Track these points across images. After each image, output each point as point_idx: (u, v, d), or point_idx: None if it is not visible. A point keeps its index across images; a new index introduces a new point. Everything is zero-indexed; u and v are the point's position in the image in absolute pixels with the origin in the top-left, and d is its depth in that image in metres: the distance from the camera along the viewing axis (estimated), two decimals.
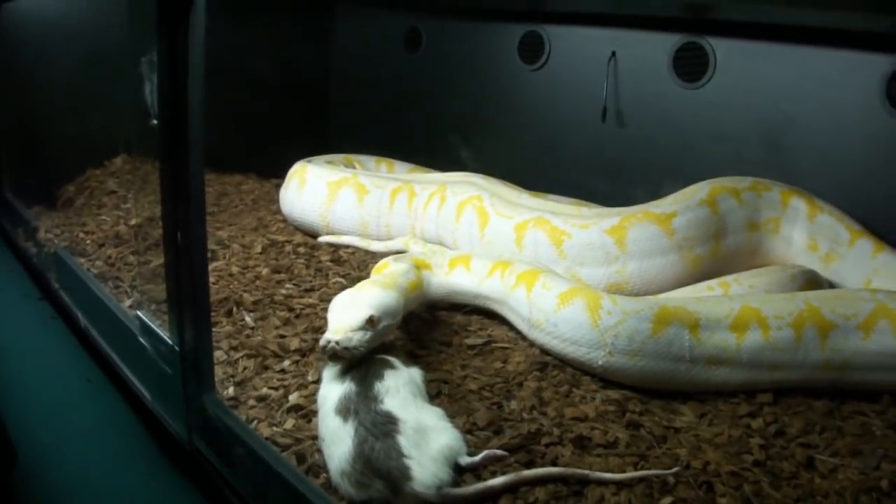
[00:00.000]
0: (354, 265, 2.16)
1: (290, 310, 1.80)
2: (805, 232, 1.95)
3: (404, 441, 1.13)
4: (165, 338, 1.24)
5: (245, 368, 1.50)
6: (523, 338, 1.70)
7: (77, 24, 2.62)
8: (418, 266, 1.78)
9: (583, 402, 1.44)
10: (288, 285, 1.95)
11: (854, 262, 1.87)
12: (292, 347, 1.58)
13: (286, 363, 1.52)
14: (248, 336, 1.64)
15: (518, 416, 1.36)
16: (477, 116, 2.93)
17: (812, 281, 1.81)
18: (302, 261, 2.14)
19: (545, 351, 1.62)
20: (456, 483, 1.14)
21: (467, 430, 1.28)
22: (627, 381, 1.51)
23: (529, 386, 1.48)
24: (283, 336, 1.64)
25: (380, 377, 1.26)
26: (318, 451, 1.24)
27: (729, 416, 1.44)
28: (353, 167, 2.71)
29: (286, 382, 1.44)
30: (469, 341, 1.68)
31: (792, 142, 2.15)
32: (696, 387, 1.51)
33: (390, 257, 1.82)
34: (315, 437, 1.27)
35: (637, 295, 1.86)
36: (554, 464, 1.23)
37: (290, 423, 1.30)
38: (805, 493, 1.23)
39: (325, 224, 2.39)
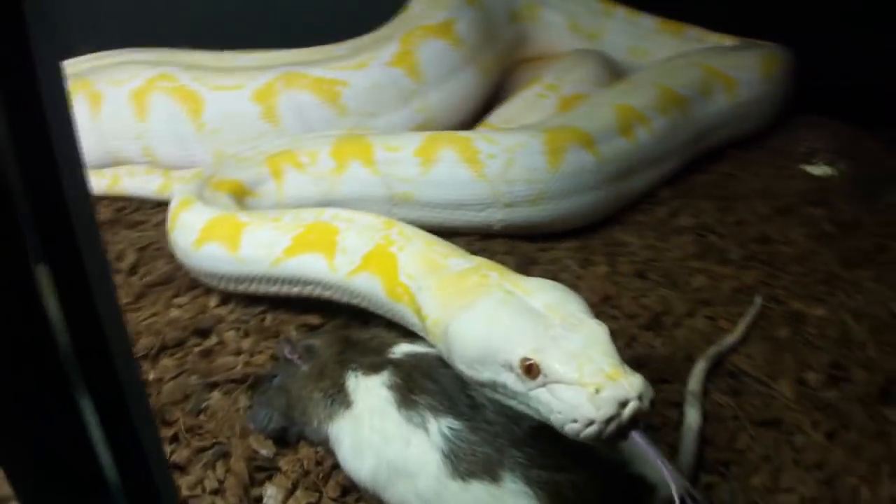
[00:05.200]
0: None
1: None
2: (560, 12, 1.74)
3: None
4: None
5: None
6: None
7: None
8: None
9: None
10: None
11: (619, 32, 1.74)
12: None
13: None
14: None
15: None
16: None
17: (610, 61, 1.64)
18: None
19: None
20: None
21: None
22: (535, 231, 1.21)
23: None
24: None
25: (461, 387, 0.73)
26: None
27: (660, 225, 1.28)
28: None
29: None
30: None
31: None
32: (608, 214, 1.29)
33: (200, 209, 1.03)
34: None
35: (446, 129, 1.46)
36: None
37: None
38: None
39: None
